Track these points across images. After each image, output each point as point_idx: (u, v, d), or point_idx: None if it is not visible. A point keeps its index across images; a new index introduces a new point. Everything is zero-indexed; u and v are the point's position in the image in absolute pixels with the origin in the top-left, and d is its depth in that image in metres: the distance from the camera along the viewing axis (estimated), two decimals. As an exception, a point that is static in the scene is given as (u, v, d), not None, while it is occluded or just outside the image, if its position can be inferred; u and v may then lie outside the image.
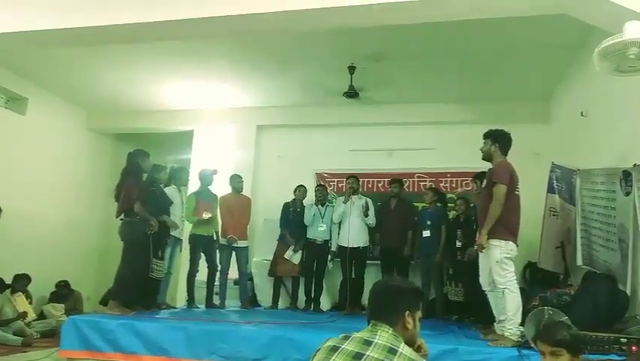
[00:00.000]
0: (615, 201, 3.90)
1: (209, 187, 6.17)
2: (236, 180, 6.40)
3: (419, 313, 1.88)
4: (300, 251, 6.31)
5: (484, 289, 4.05)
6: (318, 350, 1.78)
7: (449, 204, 6.60)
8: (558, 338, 2.36)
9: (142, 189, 4.95)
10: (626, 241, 3.62)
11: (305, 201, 6.57)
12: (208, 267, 5.97)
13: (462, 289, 5.69)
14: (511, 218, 3.96)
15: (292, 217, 6.44)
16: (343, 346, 1.71)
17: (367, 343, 1.70)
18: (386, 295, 1.90)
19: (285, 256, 6.27)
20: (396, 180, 6.53)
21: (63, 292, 7.31)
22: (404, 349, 1.69)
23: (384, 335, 1.73)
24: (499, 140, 4.08)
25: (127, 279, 4.79)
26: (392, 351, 1.66)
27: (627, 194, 3.65)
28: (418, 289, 1.99)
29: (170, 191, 5.66)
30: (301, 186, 6.62)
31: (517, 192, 4.02)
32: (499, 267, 3.82)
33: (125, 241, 4.86)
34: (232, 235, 6.07)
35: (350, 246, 6.09)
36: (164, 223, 5.23)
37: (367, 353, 1.65)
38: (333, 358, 1.67)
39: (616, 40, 2.76)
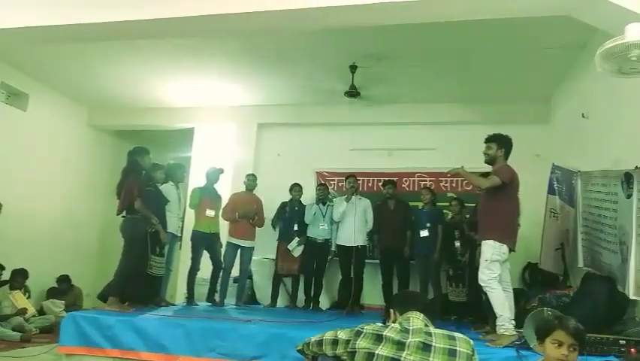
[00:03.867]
0: (617, 204, 3.89)
1: (215, 186, 6.18)
2: (248, 179, 6.45)
3: None
4: (302, 247, 6.29)
5: None
6: (362, 334, 2.20)
7: (445, 204, 6.57)
8: (580, 331, 2.32)
9: (142, 187, 4.95)
10: (627, 243, 3.62)
11: (303, 200, 6.55)
12: (213, 264, 5.95)
13: (462, 290, 5.69)
14: (512, 221, 4.06)
15: (289, 215, 6.43)
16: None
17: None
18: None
19: (289, 247, 6.26)
20: (390, 181, 6.50)
21: (63, 287, 7.31)
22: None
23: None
24: (505, 145, 4.13)
25: (127, 276, 4.79)
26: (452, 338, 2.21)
27: (629, 196, 3.64)
28: None
29: (167, 188, 5.60)
30: (296, 185, 6.56)
31: (518, 196, 4.09)
32: (486, 266, 3.92)
33: (126, 238, 4.85)
34: (242, 211, 6.09)
35: (350, 245, 6.07)
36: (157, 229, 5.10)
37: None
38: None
39: (618, 42, 2.76)
